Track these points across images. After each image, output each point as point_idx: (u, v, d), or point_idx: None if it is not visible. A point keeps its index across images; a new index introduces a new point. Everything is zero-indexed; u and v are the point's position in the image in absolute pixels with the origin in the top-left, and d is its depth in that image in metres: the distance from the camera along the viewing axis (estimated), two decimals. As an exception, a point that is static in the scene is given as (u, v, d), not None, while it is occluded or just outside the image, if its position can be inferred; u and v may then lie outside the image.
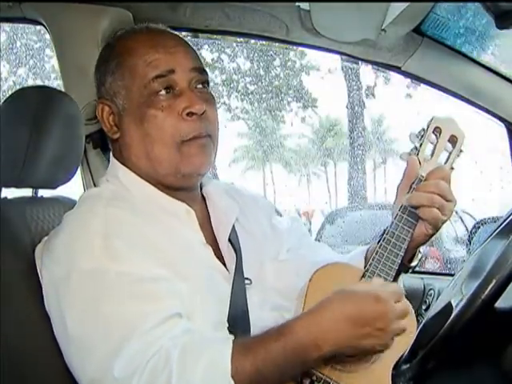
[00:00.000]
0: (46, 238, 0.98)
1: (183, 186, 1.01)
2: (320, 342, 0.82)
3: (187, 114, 0.96)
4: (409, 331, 0.95)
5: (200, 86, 1.00)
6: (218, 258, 1.01)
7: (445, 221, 0.99)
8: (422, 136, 1.02)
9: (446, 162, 1.03)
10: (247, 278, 1.02)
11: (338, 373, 0.91)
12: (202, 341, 0.85)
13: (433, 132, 1.02)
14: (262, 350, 0.82)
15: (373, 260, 0.97)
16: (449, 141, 1.02)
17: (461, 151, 1.03)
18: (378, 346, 0.86)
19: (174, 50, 0.98)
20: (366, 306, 0.85)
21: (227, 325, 0.94)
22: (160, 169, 0.97)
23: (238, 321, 0.95)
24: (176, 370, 0.78)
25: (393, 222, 0.99)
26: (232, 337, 0.88)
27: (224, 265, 1.01)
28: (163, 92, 0.96)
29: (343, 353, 0.86)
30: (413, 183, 1.00)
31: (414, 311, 0.96)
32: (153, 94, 0.96)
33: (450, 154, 1.02)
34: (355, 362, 0.92)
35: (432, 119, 1.02)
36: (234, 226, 1.07)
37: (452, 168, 1.02)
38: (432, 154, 1.02)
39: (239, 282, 1.00)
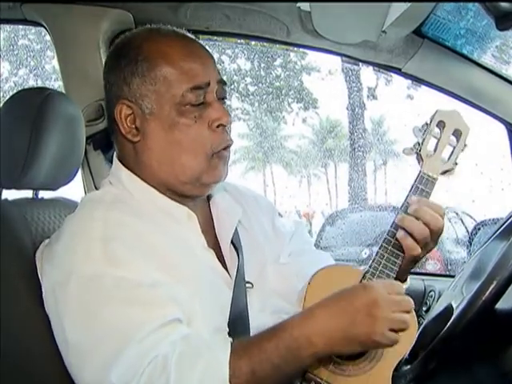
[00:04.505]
0: (46, 240, 0.97)
1: (197, 195, 1.01)
2: (313, 338, 0.82)
3: (217, 126, 0.96)
4: (410, 333, 0.95)
5: (221, 98, 1.00)
6: (219, 262, 1.00)
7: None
8: (425, 130, 1.00)
9: (449, 157, 1.00)
10: (248, 282, 1.01)
11: (337, 377, 0.90)
12: (200, 345, 0.84)
13: (436, 126, 1.00)
14: (256, 350, 0.82)
15: (373, 261, 0.96)
16: (453, 134, 1.00)
17: (465, 145, 1.00)
18: (373, 336, 0.84)
19: (208, 61, 0.98)
20: (356, 295, 0.85)
21: (227, 329, 0.93)
22: (182, 177, 0.96)
23: (237, 325, 0.94)
24: (174, 375, 0.78)
25: (393, 222, 0.98)
26: (230, 339, 0.88)
27: (226, 269, 1.01)
28: (195, 102, 0.95)
29: (339, 349, 0.85)
30: (415, 182, 0.98)
31: (414, 312, 0.95)
32: (186, 103, 0.95)
33: (454, 148, 1.00)
34: (355, 365, 0.92)
35: (436, 112, 1.00)
36: (236, 228, 1.07)
37: (456, 163, 1.00)
38: (435, 149, 1.00)
39: (240, 286, 0.99)
